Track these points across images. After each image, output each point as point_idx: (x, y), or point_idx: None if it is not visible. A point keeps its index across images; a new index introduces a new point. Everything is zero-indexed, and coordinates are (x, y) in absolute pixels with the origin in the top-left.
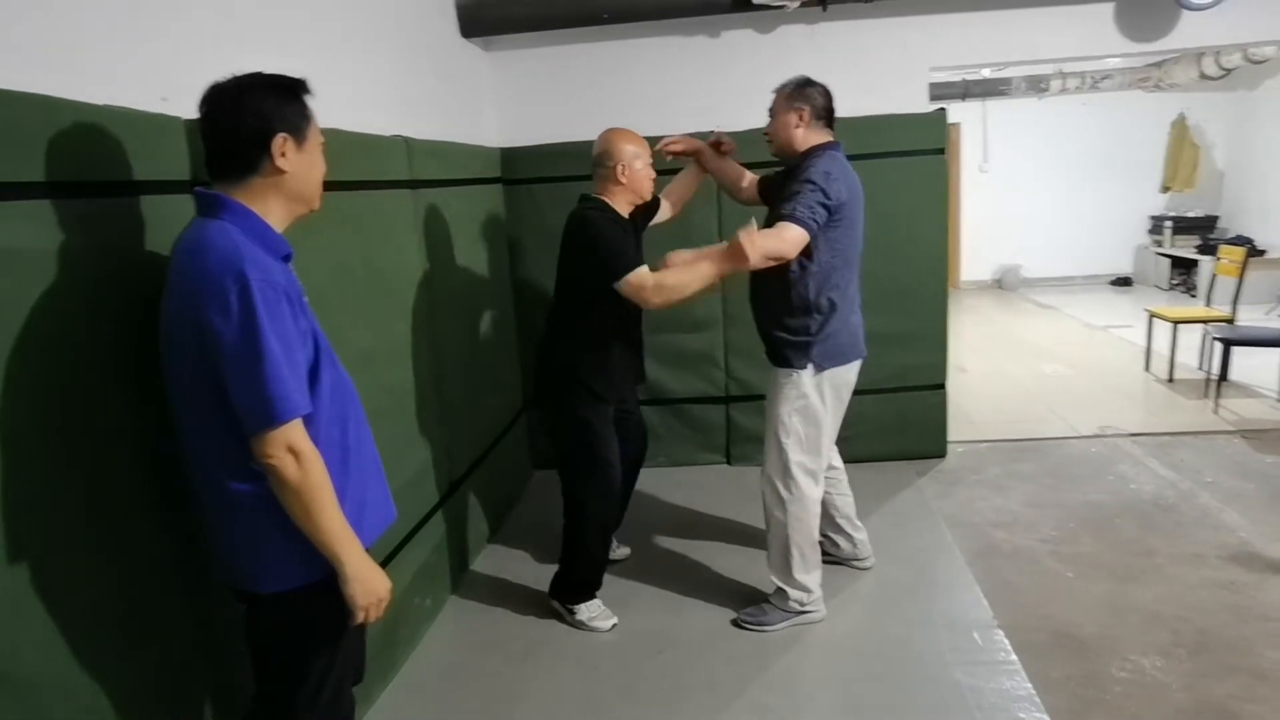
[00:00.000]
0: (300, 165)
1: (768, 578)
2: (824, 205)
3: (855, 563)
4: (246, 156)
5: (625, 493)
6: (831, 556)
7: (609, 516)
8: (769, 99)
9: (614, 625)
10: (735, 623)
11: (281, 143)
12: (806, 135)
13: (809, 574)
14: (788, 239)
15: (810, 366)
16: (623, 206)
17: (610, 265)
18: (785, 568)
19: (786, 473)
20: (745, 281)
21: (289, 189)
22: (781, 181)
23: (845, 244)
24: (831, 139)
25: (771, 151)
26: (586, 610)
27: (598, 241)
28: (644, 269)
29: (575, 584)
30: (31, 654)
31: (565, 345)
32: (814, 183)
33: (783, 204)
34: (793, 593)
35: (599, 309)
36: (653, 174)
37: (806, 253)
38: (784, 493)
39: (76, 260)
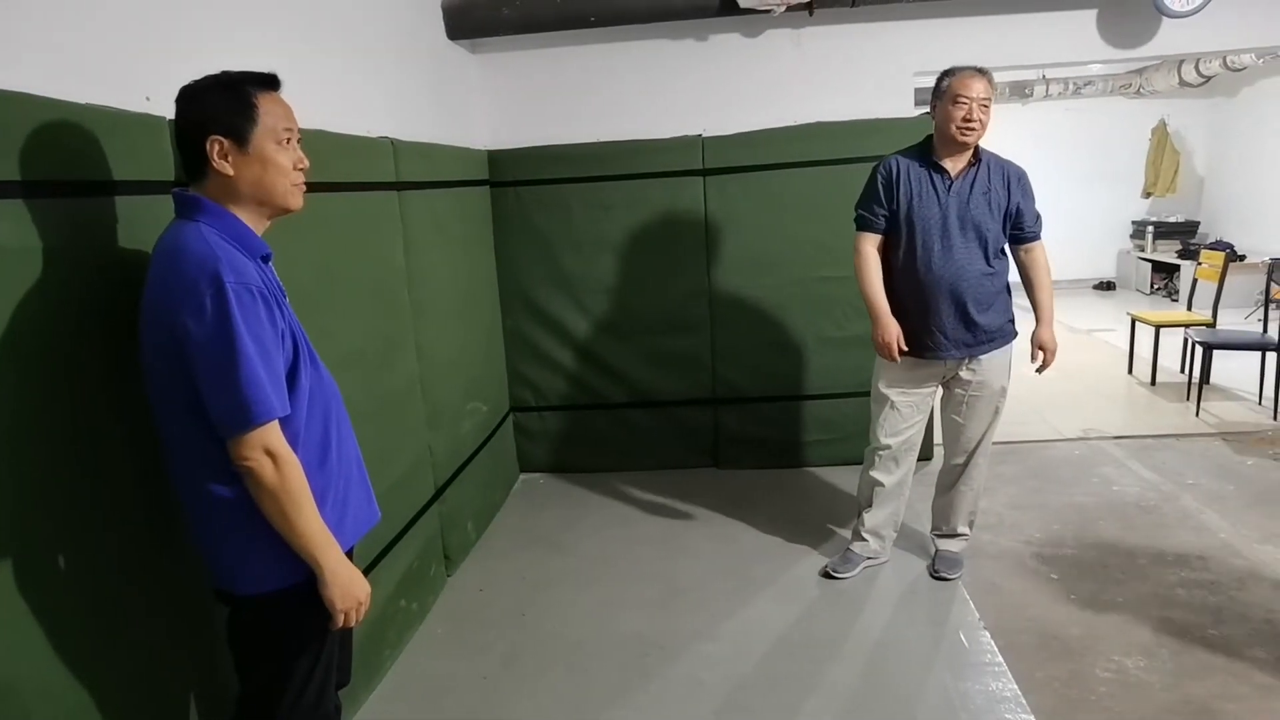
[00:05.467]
0: (248, 167)
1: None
2: None
3: (872, 561)
4: (194, 160)
5: None
6: (853, 560)
7: None
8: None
9: None
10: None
11: (215, 147)
12: None
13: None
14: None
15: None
16: None
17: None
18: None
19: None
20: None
21: (241, 191)
22: (971, 188)
23: None
24: None
25: (969, 143)
26: None
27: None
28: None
29: None
30: (12, 656)
31: None
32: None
33: (1031, 219)
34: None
35: None
36: None
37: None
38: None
39: (58, 260)
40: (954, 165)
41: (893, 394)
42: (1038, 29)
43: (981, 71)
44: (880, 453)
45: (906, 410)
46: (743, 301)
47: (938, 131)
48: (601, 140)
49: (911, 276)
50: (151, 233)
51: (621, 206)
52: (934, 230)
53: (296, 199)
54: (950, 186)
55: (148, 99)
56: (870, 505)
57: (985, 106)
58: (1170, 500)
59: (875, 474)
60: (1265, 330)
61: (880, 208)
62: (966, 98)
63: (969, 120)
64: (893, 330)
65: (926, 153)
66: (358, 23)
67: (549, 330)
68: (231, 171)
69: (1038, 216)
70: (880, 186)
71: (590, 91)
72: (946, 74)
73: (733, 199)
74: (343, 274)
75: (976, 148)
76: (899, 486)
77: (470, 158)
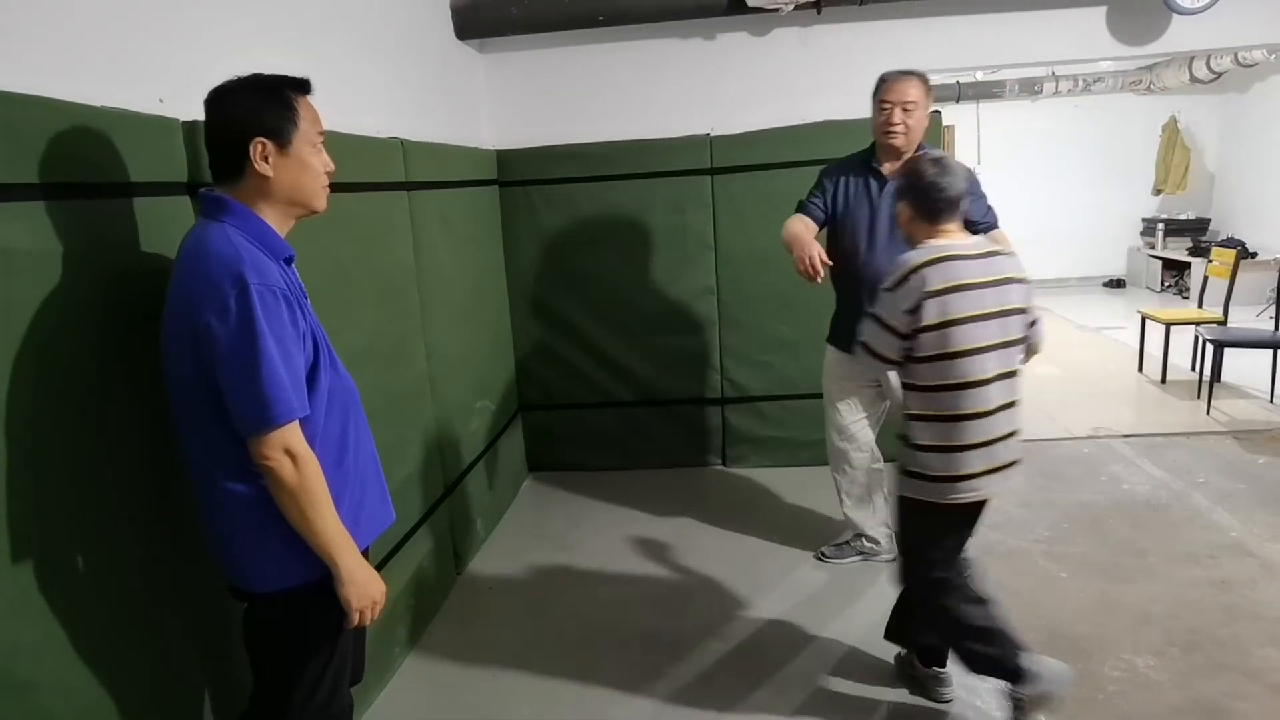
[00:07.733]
0: (286, 169)
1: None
2: None
3: (869, 555)
4: (230, 160)
5: None
6: (845, 552)
7: None
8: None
9: None
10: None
11: (259, 148)
12: None
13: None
14: None
15: None
16: None
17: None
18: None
19: None
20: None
21: (277, 193)
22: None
23: None
24: None
25: (896, 145)
26: None
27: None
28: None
29: None
30: (31, 654)
31: None
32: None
33: (980, 212)
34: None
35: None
36: None
37: None
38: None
39: (74, 261)
40: (890, 168)
41: (834, 390)
42: (1047, 26)
43: (913, 74)
44: (833, 451)
45: (846, 409)
46: (750, 300)
47: (874, 135)
48: (609, 140)
49: (843, 277)
50: (165, 233)
51: (630, 206)
52: (862, 231)
53: (324, 201)
54: (884, 188)
55: (161, 101)
56: (844, 502)
57: (909, 110)
58: (1181, 499)
59: (834, 474)
60: (1277, 328)
61: (818, 199)
62: (889, 102)
63: (891, 124)
64: (809, 248)
65: (869, 157)
66: (367, 23)
67: (557, 329)
68: (271, 173)
69: (988, 209)
70: (821, 184)
71: (598, 91)
72: (880, 78)
73: (740, 198)
74: (353, 273)
75: (921, 146)
76: (864, 487)
77: (479, 157)
